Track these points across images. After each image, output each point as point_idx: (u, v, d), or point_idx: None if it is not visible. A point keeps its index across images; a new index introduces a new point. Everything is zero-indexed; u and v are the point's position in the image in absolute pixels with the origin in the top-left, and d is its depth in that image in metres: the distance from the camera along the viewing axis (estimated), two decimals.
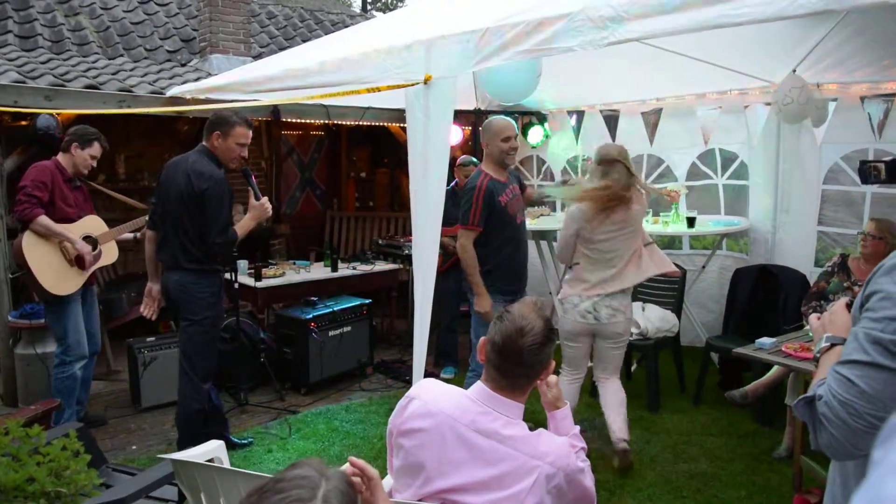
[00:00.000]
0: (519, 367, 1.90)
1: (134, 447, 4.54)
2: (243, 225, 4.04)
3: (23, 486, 2.09)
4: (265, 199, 4.07)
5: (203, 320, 3.99)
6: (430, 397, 1.94)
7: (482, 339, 1.98)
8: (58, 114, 5.13)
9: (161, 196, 4.05)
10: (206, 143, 3.98)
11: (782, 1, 2.19)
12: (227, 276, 5.33)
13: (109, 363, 5.93)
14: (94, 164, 4.54)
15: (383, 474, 3.36)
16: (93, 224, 4.59)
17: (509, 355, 1.88)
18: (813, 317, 1.68)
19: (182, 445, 3.99)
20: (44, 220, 4.24)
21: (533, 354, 1.89)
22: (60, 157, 4.43)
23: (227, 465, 2.86)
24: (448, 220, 5.53)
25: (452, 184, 5.78)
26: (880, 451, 0.63)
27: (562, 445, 1.91)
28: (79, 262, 4.42)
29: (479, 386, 1.94)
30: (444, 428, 1.87)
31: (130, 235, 4.82)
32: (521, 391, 1.94)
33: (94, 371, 5.67)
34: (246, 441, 4.55)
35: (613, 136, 6.28)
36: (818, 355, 1.52)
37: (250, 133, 4.04)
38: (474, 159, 5.84)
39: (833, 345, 1.48)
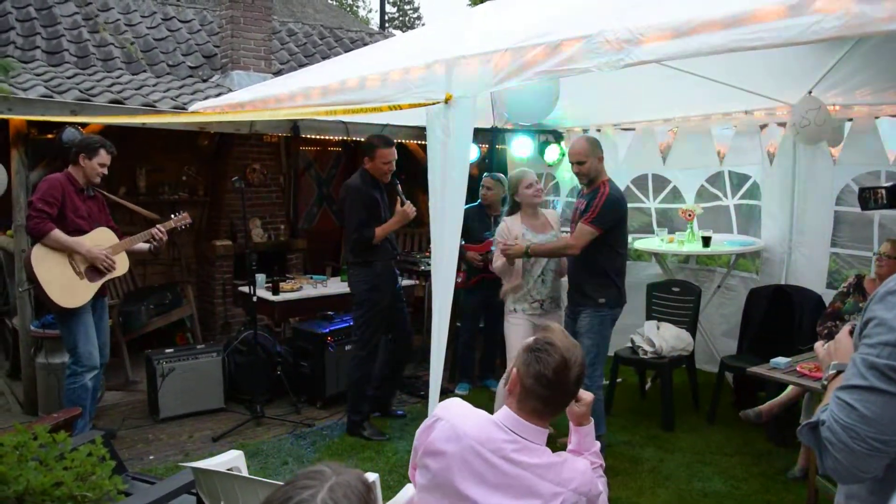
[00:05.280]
0: (566, 397, 1.96)
1: (151, 457, 4.58)
2: (385, 227, 4.82)
3: (50, 491, 2.14)
4: (408, 205, 4.85)
5: (362, 303, 4.86)
6: (457, 420, 1.94)
7: (514, 371, 1.96)
8: (82, 127, 5.24)
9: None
10: (364, 164, 4.89)
11: (796, 27, 2.21)
12: (247, 288, 5.44)
13: (128, 374, 6.00)
14: (105, 171, 4.54)
15: (399, 486, 3.40)
16: (103, 236, 4.58)
17: (560, 388, 1.91)
18: (818, 345, 1.72)
19: (350, 409, 4.94)
20: (56, 234, 4.27)
21: (579, 384, 1.95)
22: (71, 168, 4.49)
23: (245, 474, 2.90)
24: (476, 238, 5.61)
25: (479, 201, 5.84)
26: None
27: (585, 472, 1.92)
28: (92, 270, 4.45)
29: (506, 412, 1.94)
30: (469, 452, 1.87)
31: (146, 246, 4.76)
32: (553, 417, 1.98)
33: (112, 381, 5.76)
34: (401, 413, 5.36)
35: (622, 155, 6.33)
36: (825, 382, 1.57)
37: (392, 151, 4.85)
38: (498, 176, 5.91)
39: (839, 372, 1.52)
